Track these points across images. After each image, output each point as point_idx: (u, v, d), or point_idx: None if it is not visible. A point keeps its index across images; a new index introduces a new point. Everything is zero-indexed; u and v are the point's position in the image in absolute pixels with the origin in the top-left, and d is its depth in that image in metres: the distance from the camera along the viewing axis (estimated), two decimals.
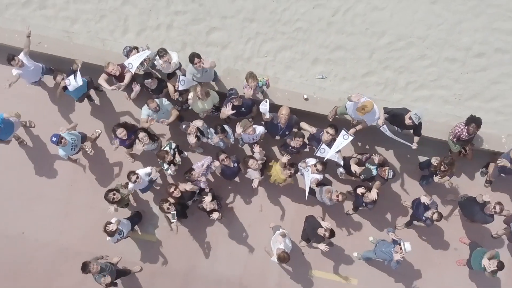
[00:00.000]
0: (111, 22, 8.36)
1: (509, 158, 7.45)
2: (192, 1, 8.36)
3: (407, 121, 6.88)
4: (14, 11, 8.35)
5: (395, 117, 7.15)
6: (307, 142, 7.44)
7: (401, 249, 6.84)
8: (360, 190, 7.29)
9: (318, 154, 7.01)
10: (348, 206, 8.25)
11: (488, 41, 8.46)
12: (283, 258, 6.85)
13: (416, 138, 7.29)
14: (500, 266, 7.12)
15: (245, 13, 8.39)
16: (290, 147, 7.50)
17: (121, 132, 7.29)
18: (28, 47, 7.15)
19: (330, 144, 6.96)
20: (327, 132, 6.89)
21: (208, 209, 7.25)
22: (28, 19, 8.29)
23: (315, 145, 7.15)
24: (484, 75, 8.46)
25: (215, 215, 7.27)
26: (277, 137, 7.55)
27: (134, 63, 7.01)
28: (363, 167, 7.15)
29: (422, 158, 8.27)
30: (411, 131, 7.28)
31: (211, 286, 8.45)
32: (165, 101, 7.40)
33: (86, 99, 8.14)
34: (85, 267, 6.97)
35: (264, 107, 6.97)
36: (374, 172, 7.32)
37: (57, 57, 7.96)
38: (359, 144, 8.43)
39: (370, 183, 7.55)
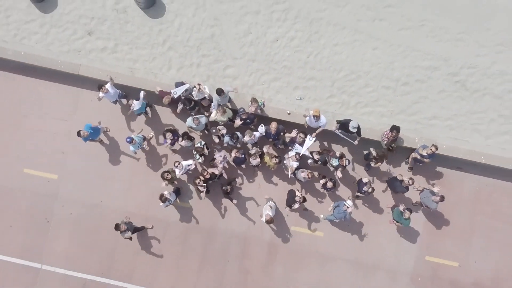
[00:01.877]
0: (160, 62, 12.53)
1: (419, 153, 11.67)
2: (214, 48, 12.54)
3: (350, 128, 11.07)
4: (95, 54, 12.51)
5: (343, 125, 11.34)
6: (288, 144, 11.68)
7: (346, 206, 11.02)
8: (322, 181, 11.52)
9: (294, 150, 11.20)
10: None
11: (412, 74, 12.63)
12: (270, 220, 11.08)
13: (358, 137, 11.45)
14: (410, 212, 11.19)
15: (249, 55, 12.58)
16: (278, 145, 11.77)
17: (169, 135, 11.48)
18: (113, 81, 11.32)
19: (301, 144, 11.14)
20: (300, 136, 11.10)
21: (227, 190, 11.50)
22: (105, 59, 12.49)
23: (292, 144, 11.34)
24: (409, 97, 12.63)
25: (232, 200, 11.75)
26: (270, 140, 11.77)
27: (178, 91, 11.18)
28: (321, 156, 11.41)
29: (365, 152, 12.43)
30: (355, 134, 11.42)
31: (226, 238, 12.62)
32: (202, 117, 11.53)
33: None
34: (117, 227, 11.08)
35: (261, 129, 11.21)
36: (337, 162, 11.50)
37: (126, 86, 12.13)
38: (325, 143, 12.63)
39: (334, 170, 11.73)
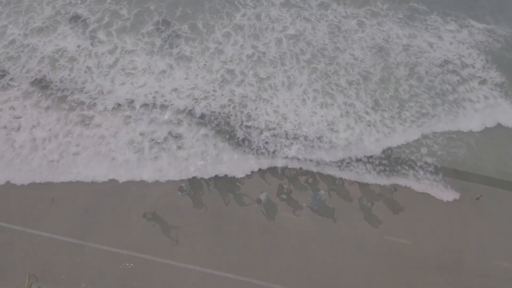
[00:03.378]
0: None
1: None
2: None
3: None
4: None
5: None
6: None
7: (320, 194, 14.58)
8: (304, 178, 15.09)
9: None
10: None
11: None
12: (257, 200, 14.88)
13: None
14: (372, 204, 14.74)
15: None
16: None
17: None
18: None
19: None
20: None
21: None
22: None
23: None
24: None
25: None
26: None
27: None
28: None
29: None
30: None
31: (230, 220, 16.11)
32: None
33: None
34: (144, 215, 14.73)
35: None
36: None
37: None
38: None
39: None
